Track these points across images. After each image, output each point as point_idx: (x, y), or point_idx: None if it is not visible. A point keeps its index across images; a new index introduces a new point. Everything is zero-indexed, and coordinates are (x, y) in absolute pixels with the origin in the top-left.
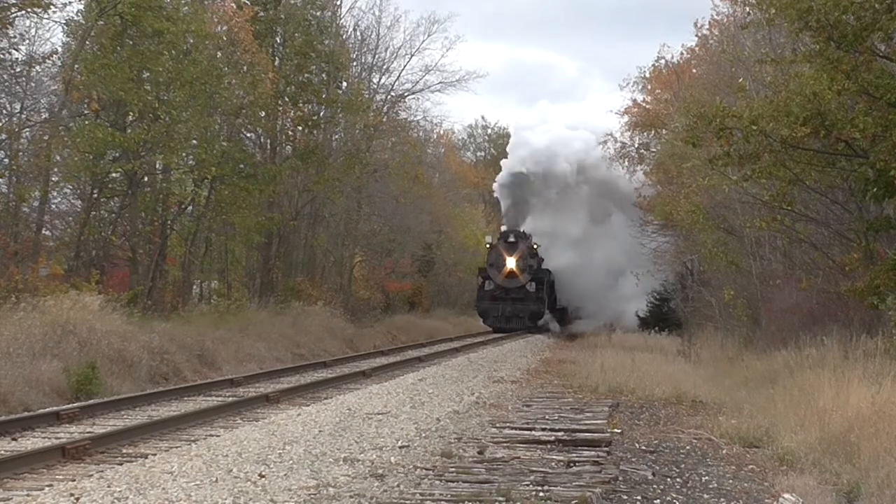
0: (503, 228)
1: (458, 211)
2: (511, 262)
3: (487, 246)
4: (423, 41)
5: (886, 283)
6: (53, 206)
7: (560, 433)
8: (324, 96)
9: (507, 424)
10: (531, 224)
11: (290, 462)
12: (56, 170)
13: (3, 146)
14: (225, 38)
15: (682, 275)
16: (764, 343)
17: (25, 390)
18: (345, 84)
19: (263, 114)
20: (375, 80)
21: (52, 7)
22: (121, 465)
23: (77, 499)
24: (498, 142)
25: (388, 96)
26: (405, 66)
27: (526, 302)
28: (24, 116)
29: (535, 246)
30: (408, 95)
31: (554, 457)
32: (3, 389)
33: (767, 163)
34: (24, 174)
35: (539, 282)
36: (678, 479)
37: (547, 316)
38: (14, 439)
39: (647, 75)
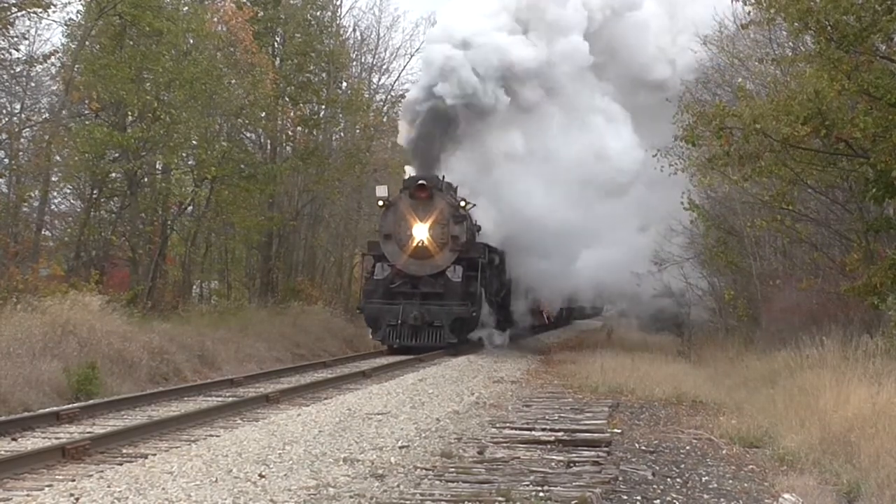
0: (408, 173)
1: None
2: (421, 231)
3: (381, 205)
4: (423, 41)
5: (886, 282)
6: (53, 207)
7: (560, 433)
8: (324, 96)
9: (507, 424)
10: (463, 166)
11: (290, 462)
12: (56, 170)
13: (3, 146)
14: (225, 39)
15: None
16: (764, 343)
17: (25, 390)
18: (345, 84)
19: (263, 114)
20: (375, 80)
21: (51, 7)
22: (121, 465)
23: (77, 499)
24: None
25: (388, 96)
26: (405, 66)
27: (447, 300)
28: (24, 116)
29: (463, 204)
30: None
31: (554, 457)
32: (3, 389)
33: (768, 161)
34: (24, 174)
35: (471, 265)
36: (678, 480)
37: (487, 324)
38: (14, 439)
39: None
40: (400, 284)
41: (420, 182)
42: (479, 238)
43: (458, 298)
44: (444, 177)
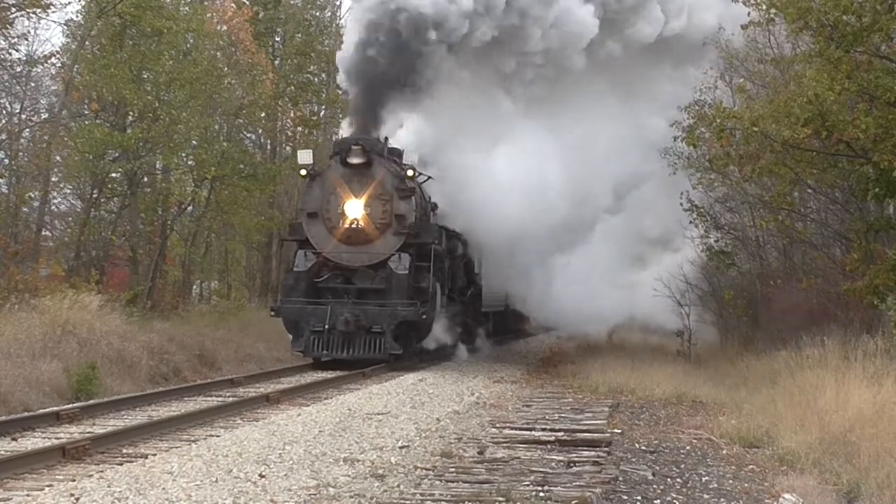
0: (340, 134)
1: None
2: (355, 209)
3: (303, 175)
4: None
5: (886, 282)
6: (53, 207)
7: (560, 433)
8: (324, 96)
9: (508, 424)
10: (420, 130)
11: (291, 462)
12: (56, 170)
13: (3, 146)
14: (225, 39)
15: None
16: (764, 343)
17: (25, 390)
18: None
19: (263, 114)
20: None
21: (51, 7)
22: (121, 465)
23: (77, 499)
24: None
25: None
26: None
27: (389, 298)
28: (24, 117)
29: (411, 174)
30: None
31: (554, 457)
32: (3, 389)
33: (768, 162)
34: (24, 174)
35: (422, 253)
36: (678, 480)
37: (441, 329)
38: (14, 439)
39: None
40: (328, 278)
41: (354, 145)
42: (435, 218)
43: (404, 296)
44: (386, 138)
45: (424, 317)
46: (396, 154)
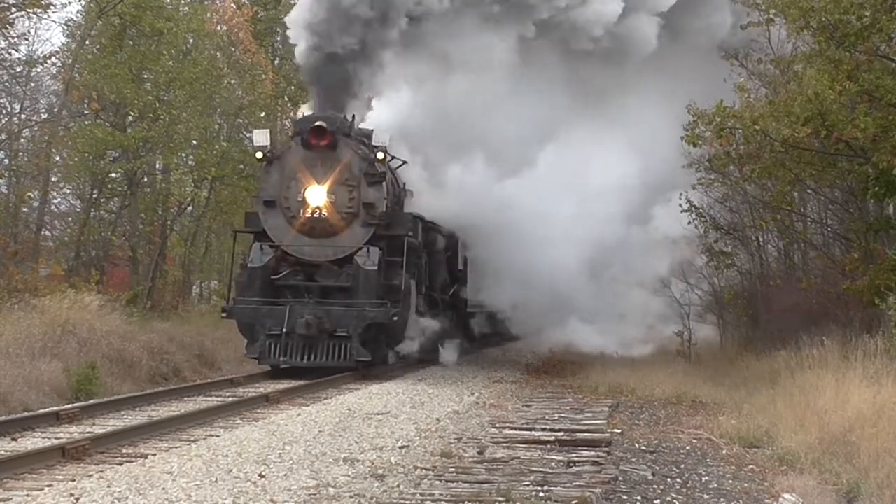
0: (301, 112)
1: None
2: (318, 196)
3: (259, 159)
4: None
5: (886, 282)
6: (53, 207)
7: (560, 433)
8: None
9: (507, 424)
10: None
11: (290, 462)
12: (56, 170)
13: (3, 146)
14: (225, 39)
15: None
16: (764, 343)
17: (25, 390)
18: None
19: (263, 114)
20: None
21: (51, 7)
22: (121, 465)
23: (77, 499)
24: None
25: None
26: None
27: (356, 297)
28: (24, 117)
29: (381, 157)
30: None
31: (554, 457)
32: (3, 389)
33: (767, 162)
34: (23, 174)
35: (394, 246)
36: (678, 480)
37: (415, 332)
38: (14, 439)
39: None
40: (287, 275)
41: (317, 124)
42: (409, 206)
43: (372, 295)
44: (353, 117)
45: (396, 319)
46: (365, 134)
